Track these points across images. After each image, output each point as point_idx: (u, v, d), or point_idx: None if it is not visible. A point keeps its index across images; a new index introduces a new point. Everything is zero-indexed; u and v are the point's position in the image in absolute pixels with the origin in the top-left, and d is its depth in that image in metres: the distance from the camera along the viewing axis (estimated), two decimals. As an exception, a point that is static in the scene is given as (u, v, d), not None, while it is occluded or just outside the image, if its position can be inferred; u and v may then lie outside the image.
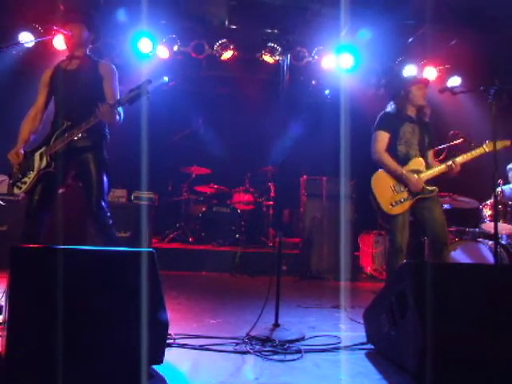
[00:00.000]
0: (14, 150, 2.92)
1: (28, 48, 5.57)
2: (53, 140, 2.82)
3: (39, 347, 1.65)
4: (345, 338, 2.49)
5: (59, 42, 5.26)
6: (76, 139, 2.79)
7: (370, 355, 2.24)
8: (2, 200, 4.59)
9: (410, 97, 3.39)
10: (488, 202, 4.80)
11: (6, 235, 4.62)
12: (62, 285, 1.74)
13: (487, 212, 4.79)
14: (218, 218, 6.29)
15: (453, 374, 1.81)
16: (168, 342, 2.10)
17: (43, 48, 5.44)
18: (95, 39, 3.12)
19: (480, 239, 4.68)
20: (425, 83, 3.45)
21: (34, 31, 5.38)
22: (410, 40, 6.06)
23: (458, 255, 4.62)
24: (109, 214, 2.83)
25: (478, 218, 4.94)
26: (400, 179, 3.26)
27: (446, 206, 5.03)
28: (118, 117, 2.81)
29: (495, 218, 3.27)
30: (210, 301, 3.63)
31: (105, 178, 2.85)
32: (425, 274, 1.94)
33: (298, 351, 2.19)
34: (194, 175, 6.64)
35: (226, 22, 5.88)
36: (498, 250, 3.58)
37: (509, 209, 4.66)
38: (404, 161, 3.31)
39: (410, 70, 6.23)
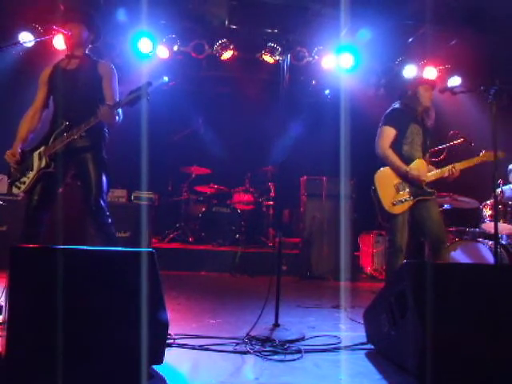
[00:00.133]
0: (10, 150, 2.91)
1: (28, 48, 5.57)
2: (52, 140, 2.82)
3: (39, 347, 1.64)
4: (345, 337, 2.49)
5: (59, 42, 5.26)
6: (75, 139, 2.79)
7: (370, 355, 2.24)
8: (1, 200, 4.59)
9: (417, 97, 3.38)
10: (488, 202, 4.80)
11: (6, 235, 4.62)
12: (62, 285, 1.74)
13: (487, 212, 4.79)
14: (218, 218, 6.29)
15: (453, 374, 1.81)
16: (168, 342, 2.10)
17: (43, 48, 5.44)
18: (95, 39, 3.12)
19: (480, 239, 4.68)
20: (432, 84, 3.45)
21: (33, 31, 5.38)
22: (410, 40, 6.06)
23: (458, 255, 4.62)
24: (108, 213, 2.83)
25: (478, 217, 4.94)
26: (405, 177, 3.25)
27: (446, 206, 5.03)
28: (117, 117, 2.81)
29: (495, 218, 3.27)
30: (210, 301, 3.63)
31: (104, 178, 2.85)
32: (425, 274, 1.94)
33: (298, 351, 2.18)
34: (193, 175, 6.64)
35: (226, 22, 5.88)
36: (498, 250, 3.57)
37: (509, 209, 4.66)
38: (408, 161, 3.31)
39: (410, 70, 6.23)
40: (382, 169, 3.32)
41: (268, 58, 6.12)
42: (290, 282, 4.84)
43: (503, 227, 4.57)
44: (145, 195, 5.82)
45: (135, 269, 1.83)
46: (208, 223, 6.25)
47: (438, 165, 3.49)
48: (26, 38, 5.28)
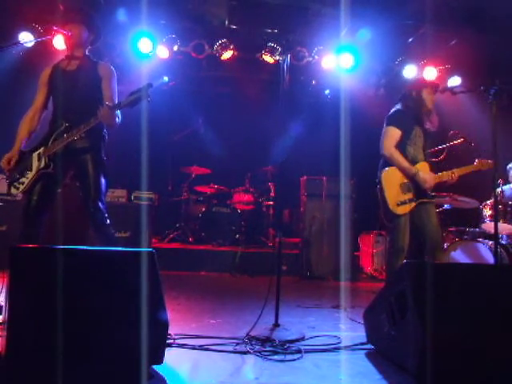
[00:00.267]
0: (7, 154, 2.90)
1: (28, 48, 5.57)
2: (51, 141, 2.82)
3: (39, 347, 1.65)
4: (345, 337, 2.49)
5: (59, 42, 5.26)
6: (75, 139, 2.79)
7: (370, 355, 2.24)
8: (1, 200, 4.59)
9: (421, 99, 3.38)
10: (488, 202, 4.80)
11: (6, 235, 4.62)
12: (62, 285, 1.74)
13: (487, 212, 4.79)
14: (218, 218, 6.29)
15: (453, 374, 1.81)
16: (168, 342, 2.10)
17: (43, 48, 5.44)
18: (95, 40, 3.11)
19: (480, 239, 4.68)
20: (436, 88, 3.45)
21: (33, 31, 5.38)
22: (410, 40, 6.05)
23: (458, 255, 4.62)
24: (106, 214, 2.83)
25: (478, 217, 4.94)
26: (412, 178, 3.25)
27: (446, 206, 5.04)
28: (116, 119, 2.81)
29: (495, 218, 3.27)
30: (210, 301, 3.63)
31: (102, 179, 2.85)
32: (425, 274, 1.94)
33: (298, 351, 2.19)
34: (193, 175, 6.64)
35: (226, 22, 5.88)
36: (498, 250, 3.58)
37: (509, 209, 4.66)
38: (412, 163, 3.30)
39: (410, 70, 6.23)
40: (388, 168, 3.29)
41: (268, 58, 6.11)
42: (290, 282, 4.84)
43: (503, 227, 4.57)
44: (145, 195, 5.82)
45: (135, 269, 1.83)
46: (208, 223, 6.25)
47: (437, 165, 3.49)
48: (26, 38, 5.28)
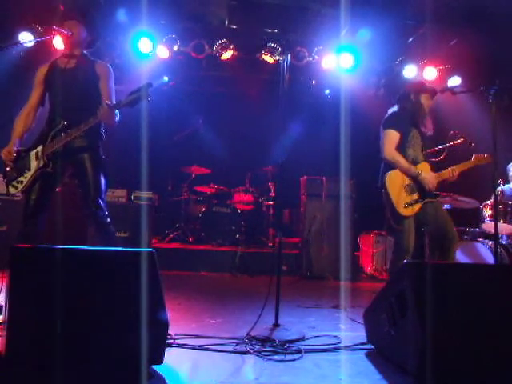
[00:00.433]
0: (6, 148, 2.89)
1: (28, 48, 5.57)
2: (49, 140, 2.81)
3: (39, 347, 1.64)
4: (345, 337, 2.49)
5: (59, 42, 5.26)
6: (74, 139, 2.79)
7: (370, 355, 2.24)
8: (1, 200, 4.59)
9: (419, 103, 3.38)
10: (488, 202, 4.80)
11: (6, 235, 4.62)
12: (62, 285, 1.74)
13: (487, 212, 4.79)
14: (218, 218, 6.29)
15: (453, 374, 1.81)
16: (168, 342, 2.10)
17: (43, 48, 5.43)
18: (94, 40, 3.11)
19: (480, 239, 4.68)
20: (434, 94, 3.46)
21: (33, 31, 5.38)
22: (410, 40, 6.06)
23: (458, 255, 4.62)
24: (107, 212, 2.83)
25: (478, 217, 4.94)
26: (415, 179, 3.25)
27: (446, 206, 5.03)
28: (116, 118, 2.82)
29: (495, 218, 3.27)
30: (210, 301, 3.63)
31: (102, 177, 2.85)
32: (425, 274, 1.94)
33: (298, 351, 2.19)
34: (193, 175, 6.64)
35: (226, 22, 5.88)
36: (498, 250, 3.58)
37: (509, 209, 4.66)
38: (413, 164, 3.30)
39: (409, 70, 6.23)
40: (390, 172, 3.29)
41: (268, 58, 6.12)
42: (290, 282, 4.84)
43: (503, 227, 4.57)
44: (145, 195, 5.82)
45: (135, 269, 1.83)
46: (208, 223, 6.25)
47: (438, 165, 3.49)
48: (26, 38, 5.28)
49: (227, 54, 6.09)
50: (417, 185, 3.27)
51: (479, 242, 4.61)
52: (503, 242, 4.60)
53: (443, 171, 3.35)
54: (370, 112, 5.19)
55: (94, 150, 2.88)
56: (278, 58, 6.05)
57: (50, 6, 4.99)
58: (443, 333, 1.84)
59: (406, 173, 3.27)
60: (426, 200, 3.26)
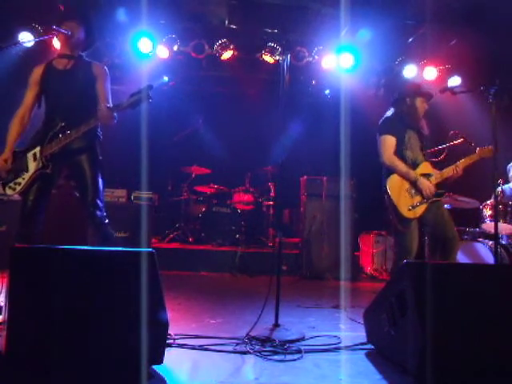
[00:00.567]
0: (2, 156, 2.84)
1: (28, 48, 5.57)
2: (47, 141, 2.78)
3: (39, 347, 1.65)
4: (345, 337, 2.49)
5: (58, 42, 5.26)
6: (73, 140, 2.78)
7: (370, 355, 2.24)
8: (1, 200, 4.58)
9: (414, 107, 3.39)
10: (488, 202, 4.80)
11: (6, 235, 4.62)
12: (62, 285, 1.74)
13: (487, 212, 4.79)
14: (218, 218, 6.29)
15: (453, 374, 1.81)
16: (168, 342, 2.10)
17: (43, 48, 5.44)
18: (91, 42, 3.10)
19: (480, 239, 4.68)
20: (430, 97, 3.46)
21: (33, 31, 5.38)
22: (410, 40, 6.06)
23: (458, 255, 4.62)
24: (105, 213, 2.83)
25: (478, 217, 4.94)
26: (414, 184, 3.26)
27: (446, 206, 5.03)
28: (114, 119, 2.82)
29: (495, 218, 3.27)
30: (210, 301, 3.63)
31: (100, 178, 2.85)
32: (425, 274, 1.94)
33: (298, 351, 2.19)
34: (193, 175, 6.64)
35: (226, 22, 5.88)
36: (498, 250, 3.58)
37: (509, 209, 4.66)
38: (413, 165, 3.30)
39: (409, 70, 6.22)
40: (391, 176, 3.30)
41: (268, 58, 6.12)
42: (290, 282, 4.85)
43: (503, 227, 4.57)
44: (145, 195, 5.82)
45: (135, 269, 1.83)
46: (208, 223, 6.25)
47: (438, 165, 3.49)
48: (26, 38, 5.28)
49: (227, 54, 6.09)
50: (417, 188, 3.27)
51: (479, 241, 4.61)
52: (503, 242, 4.60)
53: (446, 169, 3.33)
54: (370, 112, 5.19)
55: (91, 151, 2.88)
56: (278, 57, 6.05)
57: (50, 5, 5.00)
58: (443, 333, 1.84)
59: (404, 177, 3.28)
60: (431, 199, 3.26)
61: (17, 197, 2.89)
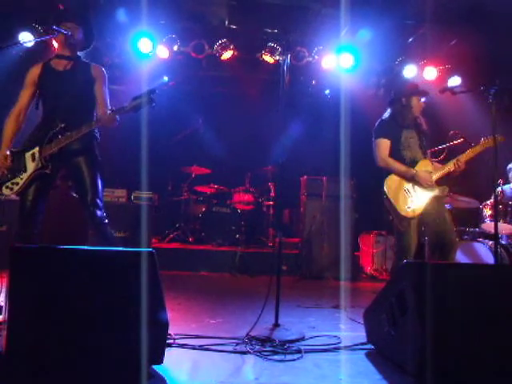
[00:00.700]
0: (1, 153, 2.83)
1: (28, 48, 5.57)
2: (46, 141, 2.77)
3: (39, 347, 1.65)
4: (345, 337, 2.49)
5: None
6: (73, 141, 2.78)
7: (370, 355, 2.24)
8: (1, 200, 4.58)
9: (410, 106, 3.41)
10: (488, 202, 4.80)
11: (6, 235, 4.62)
12: (62, 285, 1.74)
13: (487, 212, 4.79)
14: (218, 218, 6.29)
15: (453, 374, 1.81)
16: (168, 342, 2.11)
17: (43, 48, 5.43)
18: (88, 43, 3.09)
19: (480, 239, 4.68)
20: (425, 95, 3.47)
21: (33, 31, 5.38)
22: (410, 40, 6.06)
23: (458, 255, 4.62)
24: (105, 213, 2.83)
25: (478, 217, 4.94)
26: (411, 179, 3.26)
27: (446, 206, 5.03)
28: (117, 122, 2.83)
29: (495, 218, 3.27)
30: (210, 301, 3.63)
31: (99, 177, 2.85)
32: (425, 274, 1.94)
33: (298, 351, 2.19)
34: (193, 175, 6.64)
35: (226, 22, 5.88)
36: (498, 250, 3.57)
37: (509, 209, 4.66)
38: (412, 164, 3.32)
39: (409, 70, 6.22)
40: (389, 177, 3.32)
41: (268, 58, 6.12)
42: (290, 281, 4.85)
43: (503, 227, 4.57)
44: (145, 195, 5.81)
45: (135, 269, 1.83)
46: (208, 223, 6.25)
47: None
48: (26, 38, 5.28)
49: (227, 54, 6.09)
50: (418, 184, 3.27)
51: (479, 241, 4.60)
52: (503, 242, 4.60)
53: (447, 163, 3.33)
54: (370, 112, 5.18)
55: (89, 152, 2.87)
56: (278, 58, 6.05)
57: (50, 6, 4.99)
58: (443, 333, 1.84)
59: (401, 176, 3.28)
60: (431, 196, 3.25)
61: (15, 197, 2.88)
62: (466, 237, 4.95)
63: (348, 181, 5.30)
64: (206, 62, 6.53)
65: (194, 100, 7.00)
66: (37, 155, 2.79)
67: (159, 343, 1.85)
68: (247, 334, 2.37)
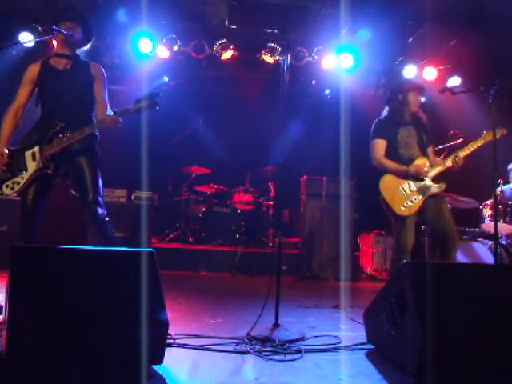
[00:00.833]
0: None
1: (28, 48, 5.57)
2: (47, 141, 2.77)
3: (39, 347, 1.64)
4: (345, 337, 2.49)
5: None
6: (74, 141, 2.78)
7: (370, 355, 2.24)
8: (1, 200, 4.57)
9: (407, 103, 3.41)
10: (488, 202, 4.80)
11: (6, 235, 4.62)
12: (62, 285, 1.74)
13: (487, 212, 4.79)
14: (218, 218, 6.29)
15: (453, 374, 1.81)
16: (168, 342, 2.10)
17: (43, 48, 5.43)
18: (87, 42, 3.10)
19: (480, 239, 4.68)
20: (421, 90, 3.47)
21: (33, 31, 5.38)
22: (410, 40, 6.06)
23: (458, 255, 4.62)
24: (106, 211, 2.83)
25: (478, 218, 4.94)
26: (407, 176, 3.26)
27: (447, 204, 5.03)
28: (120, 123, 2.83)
29: (495, 218, 3.27)
30: (210, 301, 3.63)
31: (99, 177, 2.85)
32: (425, 274, 1.94)
33: (298, 351, 2.19)
34: (193, 175, 6.64)
35: (226, 22, 5.88)
36: (498, 250, 3.58)
37: (509, 209, 4.66)
38: (408, 162, 3.32)
39: (409, 70, 6.23)
40: (384, 176, 3.33)
41: (268, 58, 6.12)
42: (290, 281, 4.85)
43: (503, 227, 4.57)
44: (145, 195, 5.82)
45: (135, 269, 1.83)
46: (208, 223, 6.25)
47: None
48: (26, 38, 5.28)
49: (227, 54, 6.09)
50: (414, 181, 3.27)
51: (479, 242, 4.60)
52: (503, 242, 4.60)
53: (445, 161, 3.31)
54: (370, 112, 5.18)
55: (90, 152, 2.87)
56: (278, 58, 6.05)
57: (50, 6, 4.99)
58: (443, 332, 1.84)
59: (397, 174, 3.29)
60: (427, 195, 3.25)
61: (15, 196, 2.88)
62: (465, 237, 4.95)
63: (348, 181, 5.30)
64: (206, 62, 6.54)
65: (194, 100, 7.00)
66: (37, 155, 2.78)
67: (159, 343, 1.85)
68: (247, 334, 2.37)
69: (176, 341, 2.26)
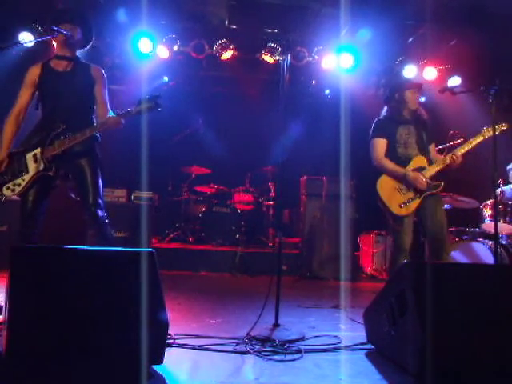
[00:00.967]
0: None
1: (28, 48, 5.57)
2: (48, 142, 2.77)
3: (39, 347, 1.65)
4: (345, 337, 2.49)
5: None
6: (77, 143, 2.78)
7: (370, 355, 2.24)
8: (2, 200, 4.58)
9: (404, 101, 3.41)
10: (488, 202, 4.80)
11: (6, 235, 4.62)
12: (62, 285, 1.74)
13: (487, 212, 4.79)
14: (218, 218, 6.29)
15: (453, 374, 1.81)
16: (168, 342, 2.10)
17: (43, 48, 5.43)
18: (86, 43, 3.09)
19: (480, 239, 4.68)
20: (418, 87, 3.47)
21: (33, 31, 5.38)
22: (410, 40, 6.06)
23: (458, 255, 4.62)
24: (106, 213, 2.83)
25: (478, 218, 4.94)
26: (403, 180, 3.26)
27: (446, 206, 5.03)
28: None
29: (495, 218, 3.27)
30: (210, 301, 3.63)
31: (100, 178, 2.85)
32: (425, 274, 1.94)
33: (298, 351, 2.19)
34: (193, 175, 6.64)
35: (226, 22, 5.88)
36: (498, 250, 3.58)
37: (509, 209, 4.66)
38: (406, 162, 3.32)
39: (409, 70, 6.23)
40: (381, 176, 3.34)
41: (268, 58, 6.12)
42: (290, 281, 4.85)
43: (503, 227, 4.57)
44: (145, 195, 5.82)
45: (135, 269, 1.83)
46: (208, 223, 6.25)
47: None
48: (26, 38, 5.28)
49: (227, 54, 6.09)
50: (409, 184, 3.26)
51: (479, 241, 4.60)
52: (503, 242, 4.60)
53: (442, 158, 3.31)
54: (370, 112, 5.18)
55: (91, 153, 2.87)
56: (278, 58, 6.05)
57: (50, 6, 5.00)
58: (443, 333, 1.84)
59: (393, 176, 3.28)
60: (424, 194, 3.25)
61: (15, 197, 2.88)
62: (465, 237, 4.95)
63: (348, 181, 5.30)
64: (206, 62, 6.53)
65: (194, 100, 7.00)
66: (39, 156, 2.78)
67: (159, 343, 1.85)
68: (247, 334, 2.37)
69: (176, 341, 2.26)
